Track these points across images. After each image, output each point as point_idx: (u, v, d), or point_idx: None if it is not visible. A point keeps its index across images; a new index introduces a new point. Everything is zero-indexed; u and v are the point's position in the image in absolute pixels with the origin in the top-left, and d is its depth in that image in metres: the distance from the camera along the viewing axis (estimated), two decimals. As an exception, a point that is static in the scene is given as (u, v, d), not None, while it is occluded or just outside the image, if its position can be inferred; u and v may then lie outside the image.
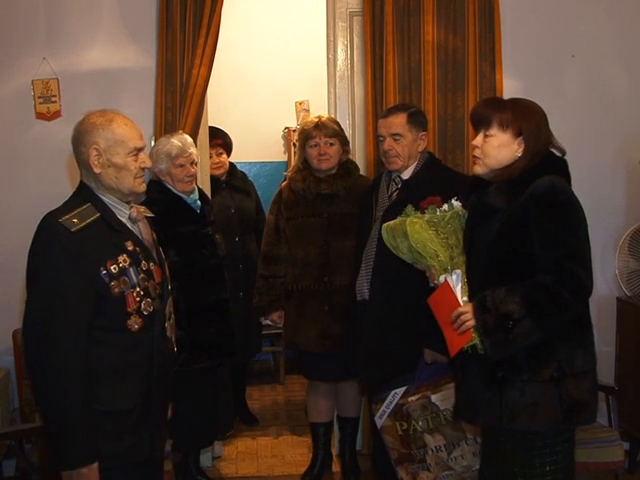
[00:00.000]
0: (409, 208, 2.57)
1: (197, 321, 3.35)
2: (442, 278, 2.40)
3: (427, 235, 2.45)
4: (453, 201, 2.55)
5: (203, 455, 3.88)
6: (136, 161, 2.29)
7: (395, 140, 3.16)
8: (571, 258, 2.20)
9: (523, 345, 2.21)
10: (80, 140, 2.26)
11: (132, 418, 2.25)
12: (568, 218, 2.23)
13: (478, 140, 2.38)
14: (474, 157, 2.41)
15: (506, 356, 2.24)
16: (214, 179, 4.17)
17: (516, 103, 2.39)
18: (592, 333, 2.36)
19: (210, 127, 4.22)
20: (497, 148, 2.34)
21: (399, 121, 3.18)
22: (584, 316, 2.32)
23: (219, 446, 4.13)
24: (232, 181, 4.35)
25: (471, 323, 2.25)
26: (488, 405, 2.30)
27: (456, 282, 2.37)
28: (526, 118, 2.33)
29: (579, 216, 2.25)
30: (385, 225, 2.64)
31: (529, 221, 2.22)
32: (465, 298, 2.34)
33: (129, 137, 2.27)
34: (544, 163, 2.32)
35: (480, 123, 2.38)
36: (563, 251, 2.19)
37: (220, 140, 4.28)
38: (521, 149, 2.33)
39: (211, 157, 4.21)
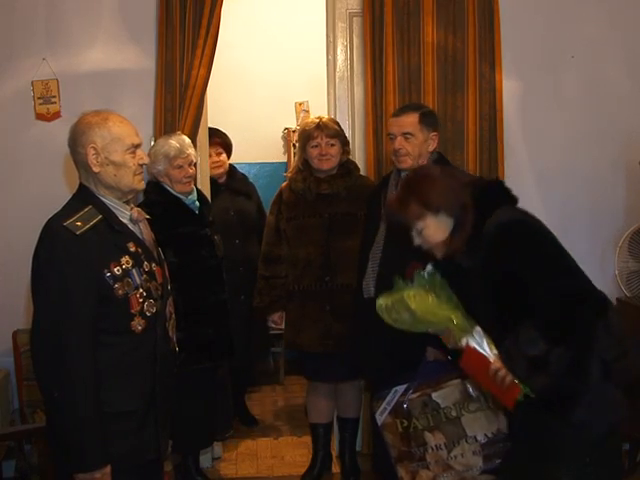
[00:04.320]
0: (398, 281, 2.53)
1: (196, 322, 3.35)
2: (464, 341, 2.33)
3: (431, 302, 2.41)
4: (429, 266, 2.50)
5: (203, 456, 3.89)
6: (134, 158, 2.30)
7: (406, 139, 3.17)
8: (562, 284, 2.18)
9: (566, 369, 2.17)
10: (77, 141, 2.27)
11: (137, 418, 2.27)
12: (533, 246, 2.21)
13: (417, 241, 2.36)
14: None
15: (561, 389, 2.20)
16: (213, 182, 4.17)
17: (410, 188, 2.35)
18: None
19: (209, 128, 4.23)
20: (435, 233, 2.31)
21: (411, 120, 3.19)
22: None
23: (219, 447, 4.14)
24: (232, 183, 4.33)
25: (509, 377, 2.21)
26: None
27: (480, 339, 2.30)
28: (427, 198, 2.29)
29: (542, 234, 2.25)
30: (379, 305, 2.56)
31: (503, 269, 2.20)
32: (495, 351, 2.29)
33: (126, 134, 2.29)
34: (479, 209, 2.27)
35: (405, 226, 2.35)
36: (552, 282, 2.17)
37: (219, 139, 4.28)
38: (452, 225, 2.29)
39: (210, 156, 4.20)
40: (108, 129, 2.26)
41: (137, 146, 2.32)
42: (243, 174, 4.54)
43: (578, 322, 2.17)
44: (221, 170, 4.28)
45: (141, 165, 2.33)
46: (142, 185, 2.37)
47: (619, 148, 4.03)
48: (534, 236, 2.24)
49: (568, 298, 2.17)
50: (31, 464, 3.42)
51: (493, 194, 2.34)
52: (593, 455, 2.22)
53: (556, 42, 4.03)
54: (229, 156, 4.39)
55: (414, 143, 3.18)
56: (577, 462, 2.23)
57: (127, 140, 2.28)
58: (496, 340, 2.26)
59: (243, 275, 4.07)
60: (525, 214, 2.29)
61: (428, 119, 3.23)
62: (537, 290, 2.18)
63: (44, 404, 2.29)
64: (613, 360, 2.21)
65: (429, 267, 2.49)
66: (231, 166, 4.41)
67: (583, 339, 2.18)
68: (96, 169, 2.26)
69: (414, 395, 2.91)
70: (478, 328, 2.32)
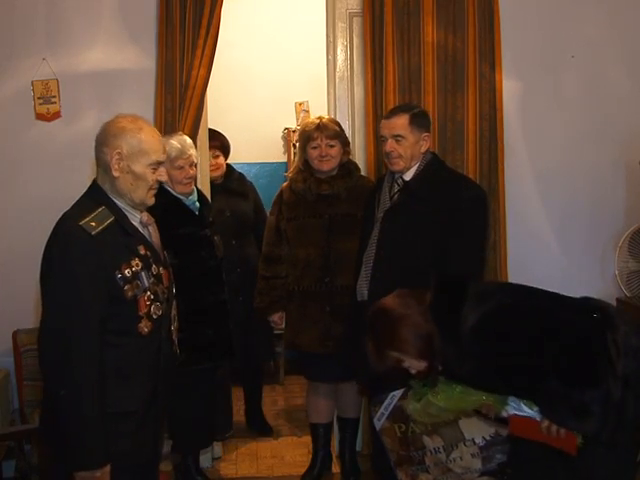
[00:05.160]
0: (415, 384, 2.59)
1: (195, 323, 3.33)
2: (505, 413, 2.38)
3: (458, 392, 2.44)
4: None
5: (203, 456, 3.88)
6: (154, 174, 2.33)
7: (397, 141, 3.15)
8: (559, 339, 2.22)
9: (604, 403, 2.20)
10: (105, 140, 2.30)
11: (137, 419, 2.29)
12: (516, 328, 2.26)
13: (413, 371, 2.41)
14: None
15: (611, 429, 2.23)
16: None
17: (378, 337, 2.40)
18: None
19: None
20: (419, 365, 2.37)
21: (401, 122, 3.16)
22: None
23: (219, 447, 4.13)
24: (228, 184, 4.29)
25: (562, 429, 2.25)
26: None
27: (517, 405, 2.35)
28: (397, 346, 2.34)
29: (514, 309, 2.29)
30: (416, 422, 2.66)
31: (500, 359, 2.25)
32: (535, 408, 2.32)
33: (153, 149, 2.32)
34: (446, 324, 2.31)
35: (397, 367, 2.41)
36: (552, 343, 2.21)
37: (217, 142, 4.24)
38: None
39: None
40: (139, 140, 2.29)
41: (160, 163, 2.35)
42: (241, 173, 4.49)
43: (590, 363, 2.20)
44: (218, 173, 4.24)
45: (158, 182, 2.36)
46: (152, 201, 2.39)
47: (619, 148, 4.02)
48: (510, 319, 2.28)
49: (573, 349, 2.20)
50: (31, 464, 3.43)
51: (449, 304, 2.35)
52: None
53: (556, 42, 4.01)
54: (227, 157, 4.35)
55: (405, 145, 3.15)
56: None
57: (153, 156, 2.31)
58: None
59: (241, 276, 4.03)
60: (486, 296, 2.33)
61: (419, 120, 3.20)
62: (542, 355, 2.21)
63: (47, 402, 2.30)
64: (631, 373, 2.22)
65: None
66: (228, 166, 4.37)
67: (602, 372, 2.20)
68: (115, 173, 2.28)
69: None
70: (511, 397, 2.35)
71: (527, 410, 2.33)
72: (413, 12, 3.80)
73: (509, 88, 3.90)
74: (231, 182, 4.33)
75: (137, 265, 2.26)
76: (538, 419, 2.31)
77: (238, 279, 3.99)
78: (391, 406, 2.92)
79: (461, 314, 2.29)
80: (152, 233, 2.41)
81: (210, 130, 4.22)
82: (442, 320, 2.32)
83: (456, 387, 2.44)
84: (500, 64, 3.84)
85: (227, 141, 4.37)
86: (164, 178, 2.39)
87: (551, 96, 4.03)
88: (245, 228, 4.25)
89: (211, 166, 4.19)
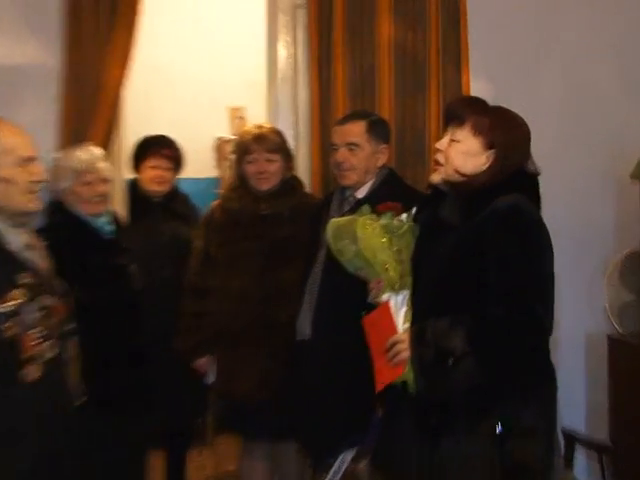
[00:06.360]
0: (365, 207, 2.62)
1: (104, 370, 3.15)
2: (385, 297, 2.43)
3: (379, 243, 2.48)
4: (414, 212, 2.54)
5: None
6: (23, 172, 2.28)
7: (350, 150, 3.17)
8: (528, 290, 2.20)
9: (463, 388, 2.19)
10: None
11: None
12: (530, 244, 2.24)
13: (443, 143, 2.37)
14: (435, 163, 2.41)
15: (442, 399, 2.23)
16: (144, 198, 4.05)
17: (499, 111, 2.41)
18: (554, 384, 2.35)
19: (161, 135, 4.18)
20: (462, 155, 2.33)
21: (357, 130, 3.19)
22: (542, 361, 2.31)
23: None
24: (170, 204, 4.17)
25: (406, 354, 2.26)
26: (418, 455, 2.31)
27: (401, 305, 2.40)
28: (504, 130, 2.34)
29: (543, 243, 2.27)
30: (333, 221, 2.68)
31: (486, 244, 2.22)
32: (407, 325, 2.35)
33: (17, 145, 2.30)
34: (510, 179, 2.33)
35: (452, 120, 2.38)
36: (520, 281, 2.20)
37: (169, 151, 4.12)
38: (489, 162, 2.32)
39: (155, 168, 4.06)
40: None
41: (29, 159, 2.31)
42: (186, 195, 4.37)
43: (513, 351, 2.19)
44: (162, 188, 4.10)
45: (34, 182, 2.32)
46: (34, 206, 2.36)
47: (608, 161, 4.04)
48: (537, 238, 2.26)
49: (521, 321, 2.17)
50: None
51: (529, 180, 2.38)
52: None
53: (532, 39, 4.08)
54: (177, 173, 4.22)
55: (360, 156, 3.16)
56: None
57: (18, 152, 2.29)
58: (424, 319, 2.29)
59: (172, 313, 3.82)
60: (541, 220, 2.31)
61: (378, 129, 3.24)
62: (499, 289, 2.18)
63: None
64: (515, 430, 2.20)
65: (405, 215, 2.58)
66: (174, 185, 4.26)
67: (503, 373, 2.19)
68: None
69: (366, 462, 2.80)
70: (406, 293, 2.41)
71: (400, 316, 2.37)
72: (367, 5, 3.81)
73: (478, 91, 3.84)
74: (174, 202, 4.20)
75: (19, 297, 2.18)
76: (400, 330, 2.35)
77: (171, 316, 3.78)
78: (341, 472, 2.83)
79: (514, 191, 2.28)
80: (39, 258, 2.37)
81: (164, 137, 4.19)
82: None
83: (384, 239, 2.49)
84: (467, 64, 3.88)
85: (182, 154, 4.24)
86: (39, 177, 2.34)
87: (527, 101, 3.96)
88: (184, 256, 4.09)
89: (158, 177, 4.07)
